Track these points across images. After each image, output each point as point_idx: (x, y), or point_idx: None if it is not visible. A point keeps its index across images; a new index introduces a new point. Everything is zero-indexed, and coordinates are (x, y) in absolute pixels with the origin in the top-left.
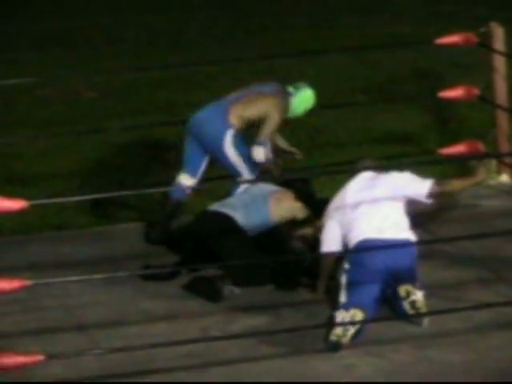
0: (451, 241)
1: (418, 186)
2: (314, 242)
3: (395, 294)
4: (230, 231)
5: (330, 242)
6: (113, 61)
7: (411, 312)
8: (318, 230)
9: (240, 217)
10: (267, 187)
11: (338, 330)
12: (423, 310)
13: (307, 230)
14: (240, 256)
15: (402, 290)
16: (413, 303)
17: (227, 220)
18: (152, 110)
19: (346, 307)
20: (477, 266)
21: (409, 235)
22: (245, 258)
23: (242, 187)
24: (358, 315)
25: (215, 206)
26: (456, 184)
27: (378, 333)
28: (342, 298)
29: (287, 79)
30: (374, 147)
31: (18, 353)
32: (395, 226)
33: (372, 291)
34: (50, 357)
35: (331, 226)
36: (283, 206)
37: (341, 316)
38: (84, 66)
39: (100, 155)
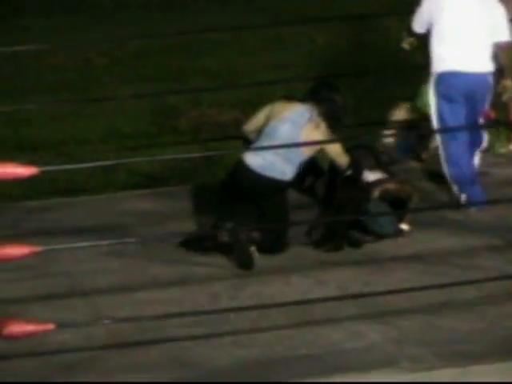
0: (460, 207)
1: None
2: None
3: None
4: (279, 199)
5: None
6: (123, 27)
7: None
8: (401, 190)
9: (291, 175)
10: (298, 117)
11: None
12: None
13: (390, 186)
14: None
15: None
16: None
17: (277, 185)
18: (162, 77)
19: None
20: (486, 233)
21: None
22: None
23: None
24: None
25: (256, 164)
26: None
27: (386, 300)
28: None
29: (296, 47)
30: (382, 115)
31: (28, 321)
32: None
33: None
34: (60, 325)
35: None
36: (309, 132)
37: None
38: (94, 32)
39: (110, 122)
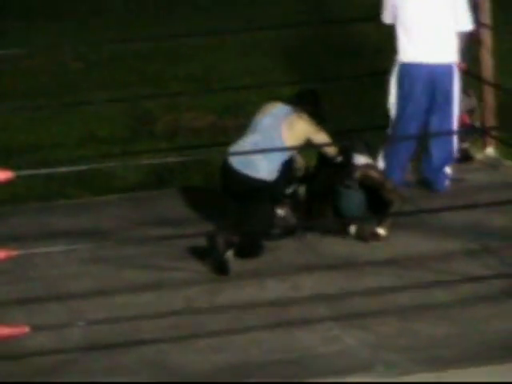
0: (437, 212)
1: (466, 21)
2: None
3: None
4: (256, 199)
5: None
6: (99, 32)
7: None
8: (381, 183)
9: (264, 172)
10: (280, 111)
11: None
12: None
13: (373, 173)
14: (259, 226)
15: None
16: None
17: (253, 184)
18: (139, 82)
19: None
20: (462, 238)
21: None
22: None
23: None
24: None
25: (236, 162)
26: None
27: (362, 305)
28: None
29: (274, 52)
30: (361, 121)
31: (3, 324)
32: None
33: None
34: (35, 328)
35: None
36: (296, 130)
37: None
38: (70, 37)
39: (86, 127)
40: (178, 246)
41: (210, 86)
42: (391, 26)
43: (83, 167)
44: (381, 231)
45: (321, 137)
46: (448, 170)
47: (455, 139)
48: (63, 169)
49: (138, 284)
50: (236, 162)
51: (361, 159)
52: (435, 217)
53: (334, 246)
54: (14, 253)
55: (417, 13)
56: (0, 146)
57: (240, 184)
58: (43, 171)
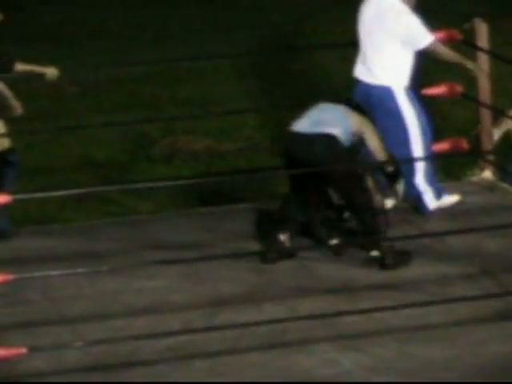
0: (435, 236)
1: (417, 39)
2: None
3: None
4: (340, 153)
5: None
6: (96, 56)
7: None
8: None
9: (337, 129)
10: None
11: None
12: None
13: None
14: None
15: None
16: None
17: (332, 140)
18: (136, 106)
19: None
20: (460, 261)
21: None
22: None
23: None
24: None
25: (303, 126)
26: (449, 54)
27: (358, 327)
28: None
29: (271, 75)
30: None
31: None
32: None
33: None
34: (33, 350)
35: None
36: (355, 116)
37: None
38: (67, 60)
39: (83, 150)
40: (175, 269)
41: (207, 109)
42: None
43: (79, 191)
44: (374, 253)
45: (373, 138)
46: (429, 193)
47: (420, 167)
48: (60, 193)
49: (135, 307)
50: (303, 127)
51: None
52: (432, 240)
53: (331, 269)
54: (11, 276)
55: (361, 29)
56: None
57: (315, 145)
58: (40, 195)
